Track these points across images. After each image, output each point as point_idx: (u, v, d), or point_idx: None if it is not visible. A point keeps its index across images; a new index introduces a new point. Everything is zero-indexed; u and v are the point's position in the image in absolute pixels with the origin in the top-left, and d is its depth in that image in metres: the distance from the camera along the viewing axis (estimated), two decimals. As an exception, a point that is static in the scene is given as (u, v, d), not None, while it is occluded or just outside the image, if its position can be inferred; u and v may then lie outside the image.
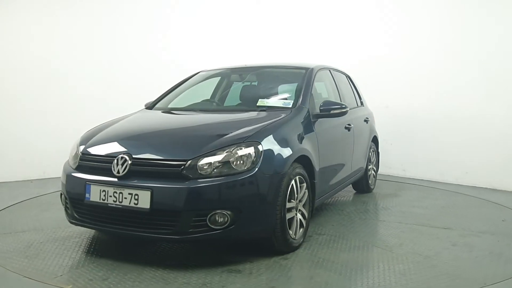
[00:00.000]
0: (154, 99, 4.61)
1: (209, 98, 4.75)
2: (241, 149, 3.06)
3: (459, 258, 3.40)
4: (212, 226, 2.95)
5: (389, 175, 6.82)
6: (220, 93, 4.76)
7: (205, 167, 2.98)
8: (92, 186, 3.12)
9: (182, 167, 2.98)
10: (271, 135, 3.27)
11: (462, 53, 6.06)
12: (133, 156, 3.12)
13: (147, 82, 6.86)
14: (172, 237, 2.97)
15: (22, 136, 6.27)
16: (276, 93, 4.36)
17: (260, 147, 3.11)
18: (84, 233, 3.90)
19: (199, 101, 4.60)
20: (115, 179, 3.07)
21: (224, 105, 4.54)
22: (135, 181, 3.02)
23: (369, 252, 3.52)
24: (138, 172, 3.06)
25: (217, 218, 2.94)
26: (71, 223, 3.40)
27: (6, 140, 6.18)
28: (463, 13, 6.08)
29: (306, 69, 4.44)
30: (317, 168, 3.77)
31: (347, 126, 4.67)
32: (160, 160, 3.08)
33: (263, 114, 3.77)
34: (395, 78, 6.59)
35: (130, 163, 3.09)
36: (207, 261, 3.28)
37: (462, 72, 6.06)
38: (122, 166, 3.09)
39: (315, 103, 4.08)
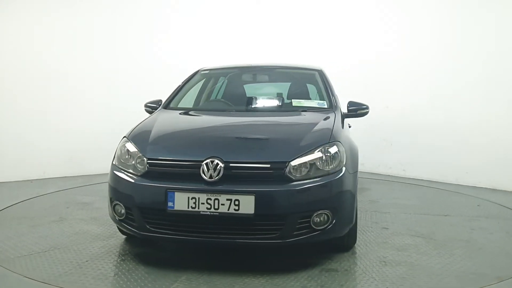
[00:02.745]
0: (154, 99, 4.45)
1: (221, 97, 4.70)
2: (328, 149, 3.07)
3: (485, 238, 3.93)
4: (314, 227, 2.93)
5: (389, 175, 6.81)
6: (233, 93, 4.66)
7: (300, 168, 2.94)
8: (176, 193, 2.87)
9: (284, 169, 2.91)
10: (343, 135, 3.34)
11: (462, 53, 6.02)
12: (224, 159, 2.92)
13: (147, 82, 6.85)
14: (277, 241, 2.88)
15: (22, 136, 6.24)
16: (300, 94, 4.43)
17: (341, 147, 3.15)
18: (84, 233, 3.86)
19: (216, 100, 4.54)
20: (204, 185, 2.86)
21: (247, 106, 4.30)
22: (231, 185, 2.85)
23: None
24: (231, 176, 2.89)
25: (319, 219, 2.93)
26: (138, 235, 3.08)
27: (6, 140, 6.16)
28: (463, 13, 6.05)
29: (316, 70, 4.61)
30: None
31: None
32: (259, 163, 2.94)
33: (312, 114, 3.80)
34: (395, 78, 6.55)
35: (223, 167, 2.91)
36: (298, 263, 3.24)
37: (462, 72, 6.01)
38: (214, 171, 2.90)
39: None
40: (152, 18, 7.08)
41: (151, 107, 4.31)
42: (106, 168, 6.64)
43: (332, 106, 3.98)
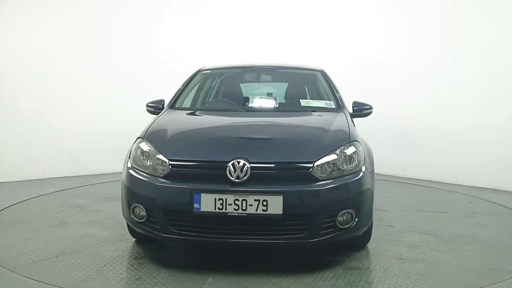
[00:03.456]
0: (155, 99, 4.16)
1: (225, 97, 4.45)
2: (349, 148, 2.97)
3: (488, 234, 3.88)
4: (339, 226, 2.82)
5: (389, 175, 6.64)
6: (237, 93, 4.47)
7: (325, 168, 2.82)
8: (203, 195, 2.69)
9: (310, 169, 2.77)
10: (359, 134, 3.25)
11: (462, 53, 5.84)
12: (251, 160, 2.75)
13: (146, 82, 6.57)
14: (304, 241, 2.77)
15: (22, 136, 5.93)
16: (304, 94, 4.30)
17: (360, 146, 3.07)
18: (91, 237, 3.59)
19: (223, 100, 4.33)
20: (231, 186, 2.70)
21: (256, 106, 4.12)
22: (259, 186, 2.70)
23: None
24: (258, 176, 2.73)
25: (343, 218, 2.82)
26: (161, 237, 2.88)
27: (6, 140, 5.85)
28: (463, 13, 5.86)
29: (317, 70, 4.47)
30: None
31: None
32: (285, 163, 2.81)
33: (324, 114, 3.68)
34: (395, 78, 6.35)
35: (250, 167, 2.73)
36: (318, 262, 3.12)
37: (462, 72, 5.83)
38: (241, 171, 2.73)
39: None
40: (152, 18, 6.78)
41: (154, 107, 4.04)
42: (106, 168, 6.57)
43: (340, 106, 3.87)
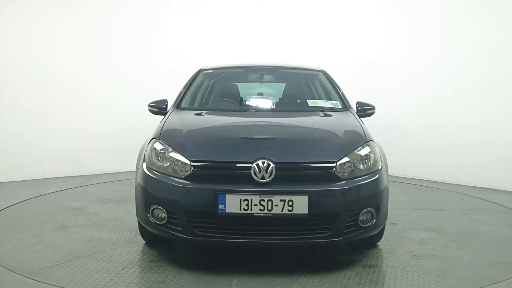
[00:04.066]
0: (157, 99, 3.93)
1: (231, 97, 4.29)
2: (366, 148, 2.89)
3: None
4: (361, 225, 2.74)
5: (389, 175, 6.37)
6: (242, 92, 4.33)
7: (346, 167, 2.73)
8: (228, 196, 2.55)
9: (333, 168, 2.67)
10: (371, 134, 3.16)
11: (462, 53, 5.66)
12: (275, 160, 2.62)
13: (146, 82, 6.32)
14: (329, 240, 2.67)
15: (22, 136, 5.65)
16: (308, 94, 4.17)
17: (375, 146, 2.99)
18: (98, 240, 3.38)
19: (231, 100, 4.11)
20: (256, 186, 2.57)
21: (265, 106, 4.04)
22: (284, 186, 2.58)
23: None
24: (282, 177, 2.61)
25: (365, 216, 2.75)
26: (183, 239, 2.70)
27: (6, 140, 5.57)
28: (463, 13, 5.67)
29: (319, 70, 4.35)
30: None
31: None
32: (309, 163, 2.70)
33: (334, 114, 3.57)
34: (395, 78, 6.15)
35: (275, 168, 2.61)
36: (336, 261, 3.02)
37: (462, 72, 5.65)
38: (266, 172, 2.60)
39: None
40: (152, 18, 6.52)
41: (157, 107, 3.82)
42: (106, 168, 6.32)
43: (346, 106, 3.76)
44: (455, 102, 5.62)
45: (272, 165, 2.60)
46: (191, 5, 6.71)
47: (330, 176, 2.67)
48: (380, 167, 2.90)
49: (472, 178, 5.57)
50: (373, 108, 3.89)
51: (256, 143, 2.88)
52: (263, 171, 2.58)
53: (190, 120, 3.41)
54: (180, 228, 2.66)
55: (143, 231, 3.17)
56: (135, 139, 6.37)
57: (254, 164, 2.60)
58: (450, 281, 2.68)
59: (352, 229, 2.72)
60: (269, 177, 2.58)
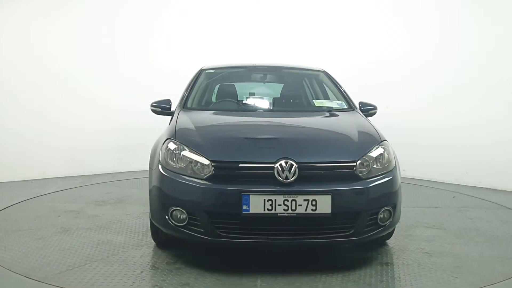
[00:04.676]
0: (158, 99, 3.76)
1: (236, 97, 4.14)
2: (382, 147, 2.82)
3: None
4: (380, 223, 2.67)
5: None
6: (247, 92, 4.21)
7: (365, 167, 2.66)
8: (252, 196, 2.43)
9: (353, 168, 2.59)
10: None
11: (462, 54, 5.48)
12: (297, 160, 2.52)
13: (146, 82, 6.09)
14: (351, 239, 2.58)
15: (22, 136, 5.40)
16: (312, 94, 4.08)
17: (389, 146, 2.93)
18: (107, 243, 3.17)
19: (239, 100, 3.99)
20: (279, 187, 2.47)
21: (274, 106, 3.88)
22: (307, 186, 2.49)
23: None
24: (305, 176, 2.51)
25: (383, 215, 2.68)
26: (205, 241, 2.55)
27: (6, 140, 5.32)
28: (463, 13, 5.50)
29: (319, 70, 4.25)
30: None
31: None
32: (331, 163, 2.61)
33: (343, 114, 3.47)
34: (395, 79, 5.96)
35: (298, 168, 2.50)
36: (352, 259, 2.94)
37: (462, 72, 5.47)
38: (289, 172, 2.49)
39: None
40: (152, 18, 6.28)
41: (161, 107, 3.65)
42: (106, 168, 6.09)
43: (351, 106, 3.67)
44: (455, 102, 5.49)
45: (294, 165, 2.50)
46: (191, 5, 6.49)
47: (351, 175, 2.59)
48: (394, 166, 2.85)
49: (472, 178, 5.43)
50: (375, 108, 3.82)
51: (277, 144, 2.77)
52: (286, 171, 2.48)
53: (203, 120, 3.26)
54: (202, 230, 2.52)
55: (155, 233, 3.00)
56: (135, 139, 6.25)
57: (277, 165, 2.50)
58: (467, 277, 2.63)
59: (372, 227, 2.65)
60: (292, 177, 2.48)
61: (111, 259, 2.84)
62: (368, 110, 3.75)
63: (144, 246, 3.09)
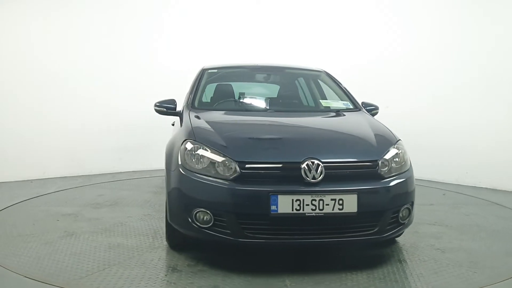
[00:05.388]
0: (161, 99, 3.53)
1: (241, 97, 3.97)
2: (397, 147, 2.75)
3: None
4: (400, 221, 2.60)
5: None
6: (253, 92, 4.08)
7: (386, 166, 2.58)
8: (280, 196, 2.32)
9: (376, 167, 2.52)
10: None
11: (462, 54, 5.29)
12: (322, 160, 2.42)
13: (146, 82, 5.90)
14: (375, 237, 2.50)
15: (22, 136, 5.16)
16: (314, 94, 3.95)
17: (403, 145, 2.84)
18: (119, 247, 2.97)
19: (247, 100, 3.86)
20: (306, 186, 2.37)
21: (283, 106, 3.76)
22: (334, 185, 2.40)
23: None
24: (331, 176, 2.41)
25: (404, 213, 2.61)
26: (232, 242, 2.40)
27: (6, 140, 5.07)
28: (463, 13, 5.36)
29: (320, 70, 4.15)
30: None
31: None
32: (356, 162, 2.55)
33: (352, 114, 3.37)
34: (395, 79, 5.81)
35: (324, 167, 2.40)
36: (368, 257, 2.84)
37: (462, 72, 5.32)
38: (316, 172, 2.38)
39: None
40: (152, 18, 6.08)
41: (166, 107, 3.44)
42: (106, 168, 5.84)
43: (357, 106, 3.57)
44: (455, 102, 5.35)
45: (321, 164, 2.40)
46: (191, 5, 6.30)
47: (374, 174, 2.52)
48: (410, 165, 2.79)
49: (472, 178, 5.28)
50: (377, 108, 3.74)
51: (301, 144, 2.67)
52: (313, 170, 2.38)
53: (219, 120, 3.11)
54: (229, 231, 2.39)
55: (171, 235, 2.83)
56: (135, 139, 6.03)
57: (303, 164, 2.40)
58: (485, 272, 2.59)
59: (393, 225, 2.58)
60: (319, 177, 2.38)
61: (129, 262, 2.65)
62: (370, 110, 3.67)
63: (158, 249, 2.91)
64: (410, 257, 2.82)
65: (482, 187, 5.21)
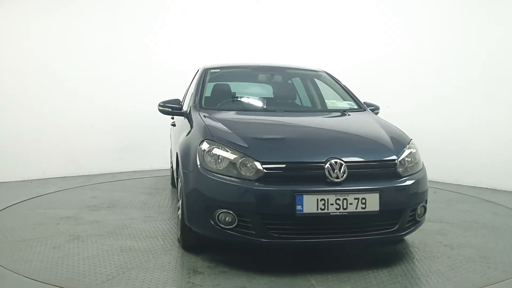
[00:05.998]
0: (166, 99, 3.37)
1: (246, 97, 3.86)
2: (411, 146, 2.73)
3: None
4: (417, 219, 2.58)
5: None
6: (258, 92, 3.97)
7: (403, 165, 2.56)
8: (305, 196, 2.25)
9: (395, 166, 2.49)
10: None
11: (462, 53, 5.18)
12: (345, 159, 2.37)
13: (146, 82, 5.76)
14: (396, 235, 2.48)
15: (22, 136, 4.98)
16: (316, 94, 3.87)
17: (415, 144, 2.82)
18: (131, 250, 2.82)
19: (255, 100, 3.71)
20: (330, 186, 2.31)
21: (291, 106, 3.70)
22: (357, 184, 2.34)
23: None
24: (353, 175, 2.36)
25: (420, 211, 2.59)
26: (257, 242, 2.31)
27: (6, 140, 4.89)
28: (463, 13, 5.26)
29: (320, 70, 4.09)
30: None
31: None
32: (377, 161, 2.50)
33: (359, 114, 3.30)
34: (395, 79, 5.71)
35: (347, 167, 2.34)
36: (382, 254, 2.79)
37: (462, 72, 5.16)
38: (340, 171, 2.32)
39: None
40: (152, 18, 5.93)
41: (171, 107, 3.29)
42: (106, 168, 5.64)
43: (361, 106, 3.51)
44: (455, 102, 5.25)
45: (344, 164, 2.35)
46: (191, 5, 6.16)
47: (393, 173, 2.49)
48: (422, 163, 2.78)
49: (472, 178, 5.14)
50: (378, 108, 3.69)
51: (322, 143, 2.61)
52: (337, 170, 2.33)
53: (235, 121, 3.00)
54: (253, 232, 2.30)
55: (187, 237, 2.70)
56: (135, 139, 5.85)
57: (327, 164, 2.34)
58: (498, 267, 2.55)
59: (411, 223, 2.56)
60: (342, 176, 2.33)
61: (146, 265, 2.51)
62: (371, 110, 3.59)
63: (173, 251, 2.77)
64: (423, 254, 2.78)
65: (482, 187, 5.10)
